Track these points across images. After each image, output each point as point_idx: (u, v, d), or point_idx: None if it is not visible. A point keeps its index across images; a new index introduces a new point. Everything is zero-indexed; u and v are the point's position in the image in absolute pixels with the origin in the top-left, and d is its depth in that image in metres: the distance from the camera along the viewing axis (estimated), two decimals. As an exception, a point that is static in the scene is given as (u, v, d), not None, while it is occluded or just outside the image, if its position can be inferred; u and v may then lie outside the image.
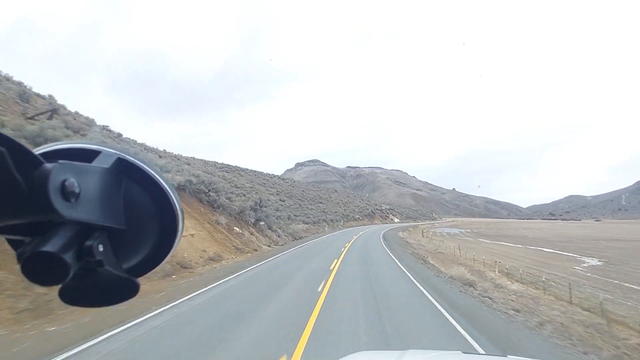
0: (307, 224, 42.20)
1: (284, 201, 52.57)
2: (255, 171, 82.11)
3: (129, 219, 0.41)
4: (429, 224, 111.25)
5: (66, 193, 0.31)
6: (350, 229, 56.93)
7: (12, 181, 0.28)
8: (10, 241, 0.38)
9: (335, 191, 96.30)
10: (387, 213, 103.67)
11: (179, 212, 0.45)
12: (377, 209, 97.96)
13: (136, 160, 0.43)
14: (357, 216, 75.15)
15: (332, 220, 56.86)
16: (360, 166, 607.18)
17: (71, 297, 0.39)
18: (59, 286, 0.37)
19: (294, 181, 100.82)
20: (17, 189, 0.29)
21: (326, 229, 50.74)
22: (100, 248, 0.36)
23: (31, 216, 0.30)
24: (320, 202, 69.67)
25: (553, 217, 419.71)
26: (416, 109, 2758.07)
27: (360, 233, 44.73)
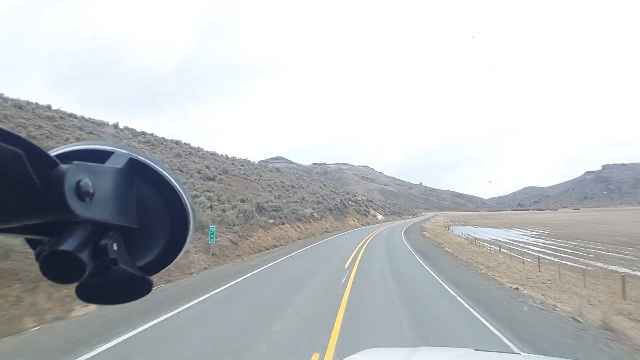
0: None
1: None
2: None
3: (141, 218, 0.42)
4: (421, 219, 74.32)
5: (81, 193, 0.32)
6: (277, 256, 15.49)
7: (29, 182, 0.29)
8: (28, 240, 0.39)
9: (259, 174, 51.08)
10: (366, 207, 61.62)
11: (190, 211, 0.46)
12: (349, 200, 55.19)
13: (148, 161, 0.43)
14: (311, 211, 31.98)
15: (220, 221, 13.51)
16: (327, 162, 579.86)
17: (87, 294, 0.40)
18: (76, 284, 0.37)
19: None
20: (34, 189, 0.29)
21: None
22: (115, 247, 0.37)
23: (48, 216, 0.31)
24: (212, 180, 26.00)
25: (522, 208, 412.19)
26: (381, 105, 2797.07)
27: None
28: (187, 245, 0.47)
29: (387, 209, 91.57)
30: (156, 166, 0.44)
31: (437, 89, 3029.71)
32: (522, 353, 1.85)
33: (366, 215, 56.18)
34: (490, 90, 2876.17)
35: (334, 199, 48.50)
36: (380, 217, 67.09)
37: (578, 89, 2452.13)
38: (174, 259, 0.47)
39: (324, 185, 65.85)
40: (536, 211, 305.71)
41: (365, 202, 67.80)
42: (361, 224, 47.44)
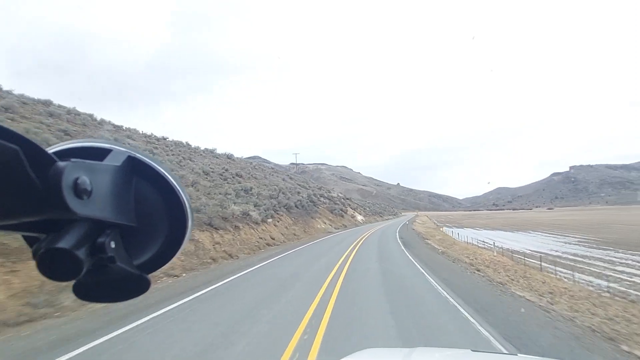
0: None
1: None
2: None
3: (139, 216, 0.42)
4: (406, 220, 62.97)
5: (79, 191, 0.32)
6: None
7: (26, 179, 0.28)
8: (25, 238, 0.38)
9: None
10: (343, 206, 48.99)
11: (189, 210, 0.45)
12: (321, 196, 42.26)
13: (146, 158, 0.43)
14: (247, 209, 18.17)
15: None
16: (305, 163, 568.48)
17: (85, 292, 0.40)
18: (73, 282, 0.37)
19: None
20: (31, 187, 0.29)
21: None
22: (112, 245, 0.37)
23: (45, 213, 0.31)
24: None
25: (497, 208, 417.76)
26: (363, 107, 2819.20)
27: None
28: (185, 244, 0.47)
29: (368, 209, 79.80)
30: (155, 164, 0.43)
31: (427, 91, 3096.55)
32: (518, 354, 1.88)
33: (342, 216, 43.55)
34: (468, 94, 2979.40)
35: (298, 193, 35.37)
36: (360, 217, 54.78)
37: (546, 98, 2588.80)
38: (172, 257, 0.47)
39: (290, 178, 52.62)
40: (511, 210, 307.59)
41: (343, 200, 55.35)
42: (335, 228, 34.66)
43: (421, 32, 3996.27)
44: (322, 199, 42.32)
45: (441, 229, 46.40)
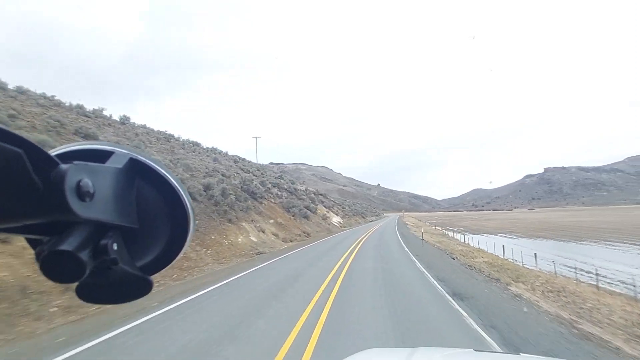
0: None
1: None
2: None
3: (141, 218, 0.42)
4: (395, 222, 48.47)
5: (81, 193, 0.32)
6: None
7: (29, 182, 0.29)
8: (29, 240, 0.38)
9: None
10: (312, 202, 33.62)
11: (190, 211, 0.45)
12: (278, 187, 26.46)
13: (148, 161, 0.43)
14: None
15: None
16: (284, 162, 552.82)
17: (88, 294, 0.40)
18: (76, 284, 0.37)
19: None
20: (34, 189, 0.29)
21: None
22: (115, 246, 0.37)
23: (48, 216, 0.31)
24: None
25: (476, 208, 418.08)
26: (352, 110, 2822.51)
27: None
28: (187, 246, 0.47)
29: (348, 208, 65.15)
30: (157, 166, 0.43)
31: (412, 95, 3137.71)
32: (521, 354, 1.77)
33: (307, 218, 28.42)
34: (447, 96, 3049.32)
35: (228, 178, 19.91)
36: (336, 219, 39.94)
37: (525, 101, 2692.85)
38: (174, 258, 0.47)
39: (236, 163, 36.72)
40: (492, 211, 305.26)
41: (313, 196, 40.31)
42: (285, 240, 19.40)
43: (414, 32, 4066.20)
44: (274, 189, 27.19)
45: (453, 235, 32.34)
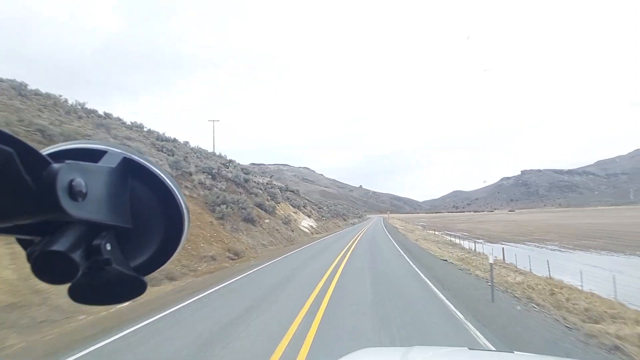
0: None
1: None
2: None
3: (135, 217, 0.41)
4: (384, 224, 38.93)
5: (74, 193, 0.31)
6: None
7: (21, 182, 0.28)
8: (20, 241, 0.38)
9: None
10: (273, 199, 23.16)
11: (185, 211, 0.45)
12: (205, 172, 15.72)
13: (142, 160, 0.43)
14: None
15: None
16: (266, 163, 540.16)
17: (80, 295, 0.39)
18: (69, 285, 0.36)
19: None
20: (26, 189, 0.29)
21: None
22: (108, 247, 0.36)
23: (40, 216, 0.30)
24: None
25: (457, 210, 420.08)
26: (324, 111, 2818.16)
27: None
28: (182, 246, 0.46)
29: (325, 209, 55.26)
30: (150, 165, 0.43)
31: (395, 97, 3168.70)
32: (515, 352, 1.70)
33: (253, 222, 18.25)
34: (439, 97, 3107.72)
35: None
36: (307, 223, 29.95)
37: (502, 107, 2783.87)
38: (168, 259, 0.46)
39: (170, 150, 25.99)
40: (473, 213, 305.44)
41: (277, 191, 30.17)
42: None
43: (409, 33, 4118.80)
44: (200, 175, 16.98)
45: (468, 246, 23.09)
